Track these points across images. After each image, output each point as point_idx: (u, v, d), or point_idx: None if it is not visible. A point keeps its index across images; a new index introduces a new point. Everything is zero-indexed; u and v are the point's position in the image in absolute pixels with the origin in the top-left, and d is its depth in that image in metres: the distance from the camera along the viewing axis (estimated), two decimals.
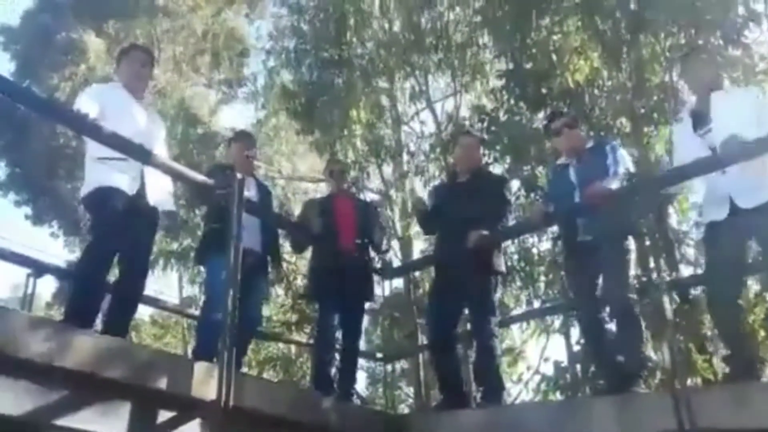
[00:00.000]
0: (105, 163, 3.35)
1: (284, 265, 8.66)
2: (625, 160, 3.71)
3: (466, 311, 4.23)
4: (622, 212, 3.58)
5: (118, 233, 3.31)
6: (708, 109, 3.36)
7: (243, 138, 4.55)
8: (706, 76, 3.49)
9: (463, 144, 4.56)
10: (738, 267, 3.24)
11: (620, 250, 3.54)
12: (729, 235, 3.18)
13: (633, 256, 3.60)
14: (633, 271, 3.66)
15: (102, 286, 3.35)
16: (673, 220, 6.63)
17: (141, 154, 3.22)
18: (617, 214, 3.54)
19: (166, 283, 13.80)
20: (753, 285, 5.78)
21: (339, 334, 4.39)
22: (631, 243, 3.59)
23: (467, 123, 9.48)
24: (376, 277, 5.26)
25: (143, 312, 12.46)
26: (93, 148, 3.39)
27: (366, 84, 10.23)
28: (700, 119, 3.39)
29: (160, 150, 3.57)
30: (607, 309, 3.60)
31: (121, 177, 3.36)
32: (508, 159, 7.84)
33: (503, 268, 4.21)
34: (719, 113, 3.29)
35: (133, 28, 14.07)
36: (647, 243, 5.09)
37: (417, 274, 8.77)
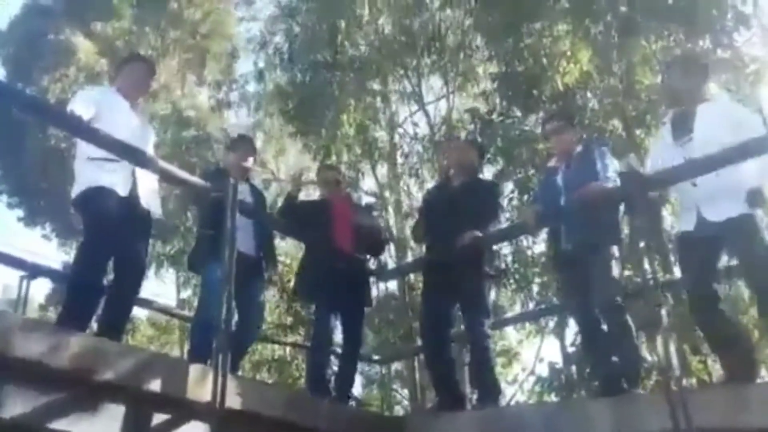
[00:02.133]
0: (96, 163, 3.29)
1: (279, 266, 8.62)
2: (613, 165, 3.69)
3: (460, 313, 4.23)
4: (604, 220, 3.54)
5: (112, 234, 3.24)
6: (692, 119, 3.30)
7: (242, 145, 4.39)
8: (693, 85, 3.42)
9: (456, 146, 4.67)
10: (708, 276, 3.17)
11: (602, 259, 3.48)
12: (697, 245, 3.16)
13: (616, 264, 3.52)
14: (617, 275, 3.55)
15: (97, 289, 3.27)
16: (667, 221, 6.65)
17: (136, 155, 3.21)
18: (599, 223, 3.50)
19: (163, 286, 13.71)
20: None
21: (335, 337, 4.37)
22: (615, 251, 3.54)
23: (459, 126, 9.53)
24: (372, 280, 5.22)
25: (139, 313, 12.32)
26: (84, 149, 3.34)
27: (359, 86, 10.23)
28: (681, 128, 3.34)
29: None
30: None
31: (112, 177, 3.30)
32: (500, 162, 7.87)
33: (492, 272, 4.18)
34: (703, 124, 3.24)
35: (125, 30, 14.01)
36: (641, 245, 5.09)
37: (412, 276, 8.76)
